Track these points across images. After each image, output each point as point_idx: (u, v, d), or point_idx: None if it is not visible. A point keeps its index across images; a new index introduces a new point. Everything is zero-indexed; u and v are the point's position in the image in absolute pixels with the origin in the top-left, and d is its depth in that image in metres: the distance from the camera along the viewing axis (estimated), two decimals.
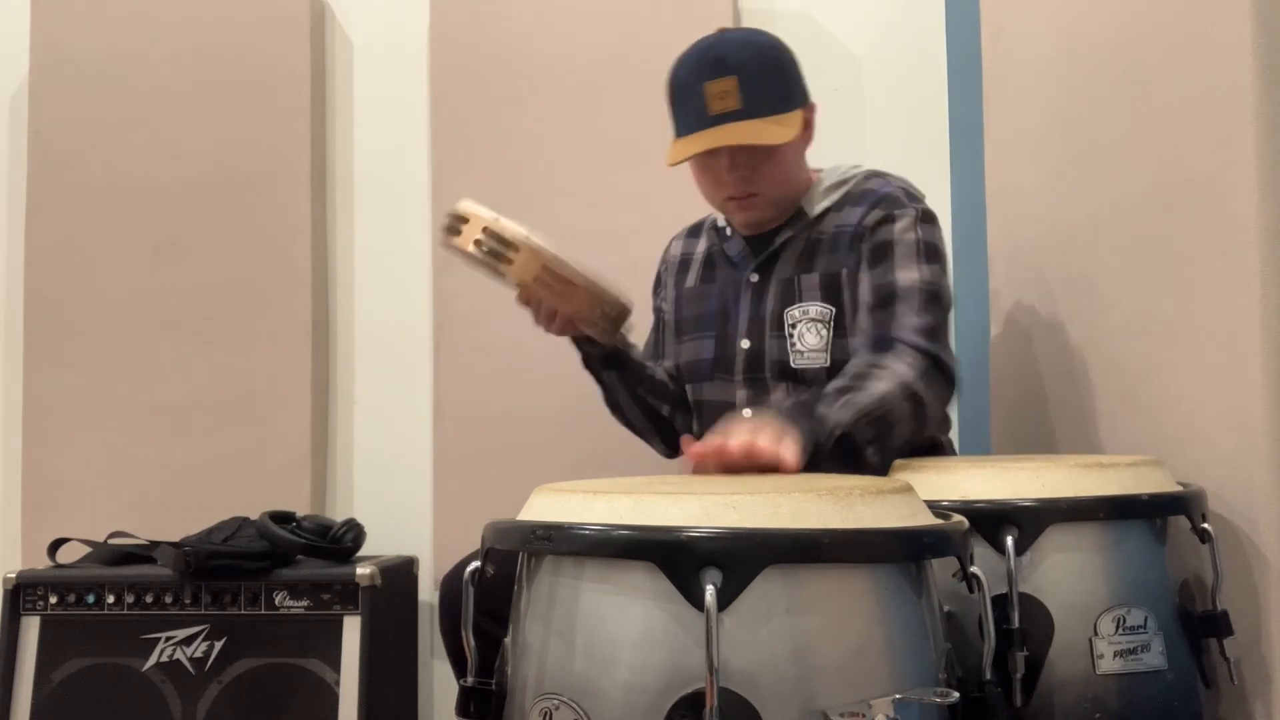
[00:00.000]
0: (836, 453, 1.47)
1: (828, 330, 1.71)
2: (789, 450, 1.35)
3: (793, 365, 1.72)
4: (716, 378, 1.81)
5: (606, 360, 1.84)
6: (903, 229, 1.70)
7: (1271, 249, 1.32)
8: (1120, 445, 1.65)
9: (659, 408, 1.90)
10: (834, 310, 1.71)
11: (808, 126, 1.76)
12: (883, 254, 1.69)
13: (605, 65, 2.53)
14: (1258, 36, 1.33)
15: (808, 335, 1.72)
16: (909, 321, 1.63)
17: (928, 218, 1.73)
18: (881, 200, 1.74)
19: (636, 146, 2.40)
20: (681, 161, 1.71)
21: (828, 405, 1.50)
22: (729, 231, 1.86)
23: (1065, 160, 1.86)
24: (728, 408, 1.79)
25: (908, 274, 1.67)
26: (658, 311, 1.99)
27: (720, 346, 1.81)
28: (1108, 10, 1.70)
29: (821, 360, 1.70)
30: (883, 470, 1.51)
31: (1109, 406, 1.71)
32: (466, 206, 1.64)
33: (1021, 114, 2.04)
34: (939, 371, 1.62)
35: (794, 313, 1.74)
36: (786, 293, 1.75)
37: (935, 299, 1.67)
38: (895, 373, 1.57)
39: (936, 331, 1.65)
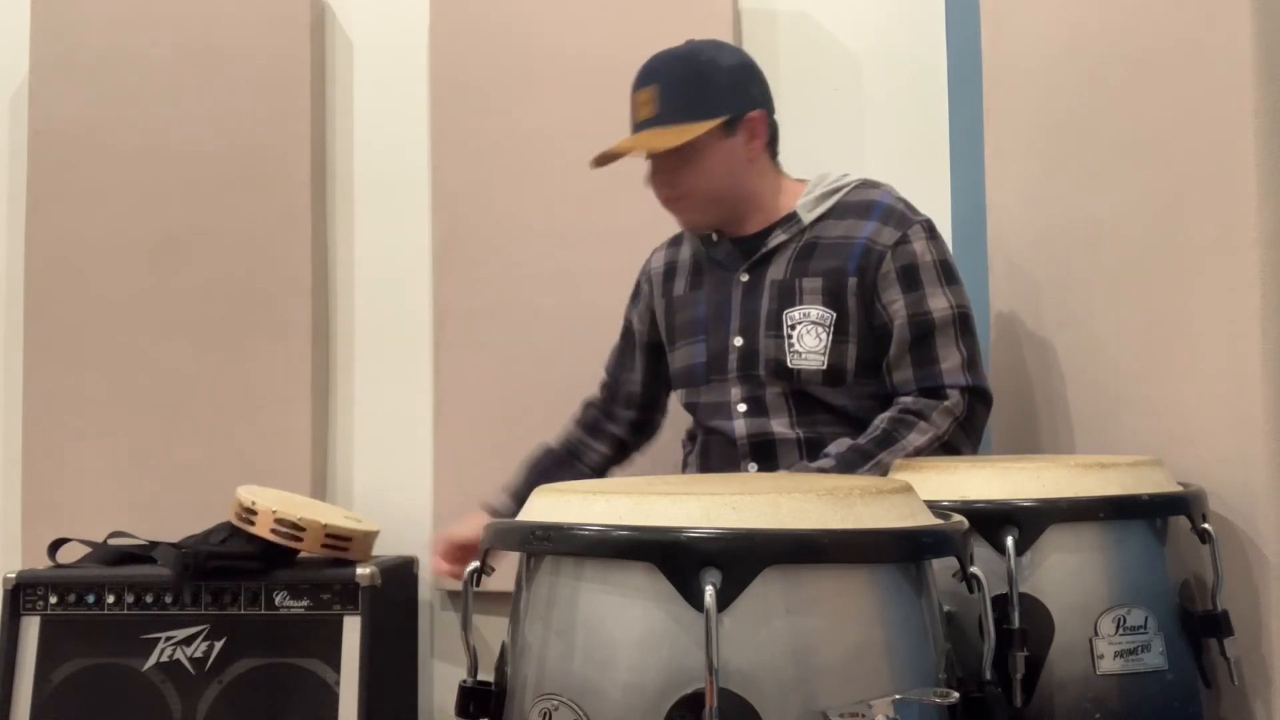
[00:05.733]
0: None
1: (827, 334, 1.74)
2: None
3: (790, 365, 1.75)
4: (711, 380, 1.83)
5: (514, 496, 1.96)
6: (922, 250, 1.75)
7: (1271, 249, 1.32)
8: (1120, 445, 1.65)
9: (603, 467, 2.03)
10: (835, 315, 1.74)
11: (751, 135, 1.78)
12: (912, 280, 1.73)
13: (605, 65, 2.52)
14: (1258, 36, 1.33)
15: (807, 337, 1.74)
16: (952, 361, 1.71)
17: (933, 231, 1.79)
18: (888, 214, 1.77)
19: None
20: (599, 164, 1.78)
21: (842, 462, 1.63)
22: (715, 236, 1.88)
23: (1065, 160, 1.85)
24: (723, 407, 1.81)
25: (938, 301, 1.73)
26: (628, 323, 2.01)
27: (712, 347, 1.83)
28: (1108, 11, 1.70)
29: (819, 362, 1.74)
30: None
31: (1109, 406, 1.71)
32: (250, 497, 2.15)
33: (1021, 114, 2.04)
34: (981, 403, 1.72)
35: (794, 314, 1.76)
36: (785, 294, 1.77)
37: (967, 322, 1.74)
38: (932, 426, 1.67)
39: (974, 360, 1.73)
